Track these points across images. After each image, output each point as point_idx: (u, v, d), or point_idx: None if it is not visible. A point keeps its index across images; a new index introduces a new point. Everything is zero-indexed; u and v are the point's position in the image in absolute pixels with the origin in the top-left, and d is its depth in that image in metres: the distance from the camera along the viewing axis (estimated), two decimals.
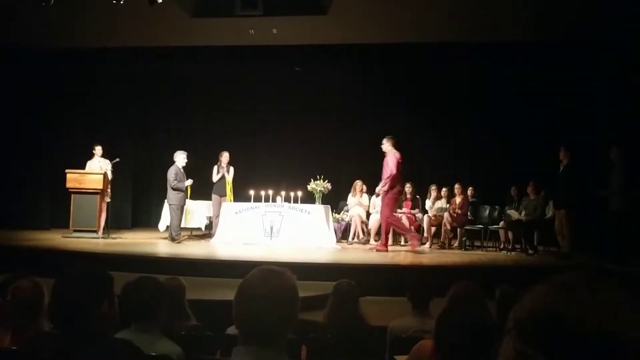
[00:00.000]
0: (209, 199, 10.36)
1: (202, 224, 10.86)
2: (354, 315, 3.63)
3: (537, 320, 0.70)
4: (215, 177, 10.24)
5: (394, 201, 9.24)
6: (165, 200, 10.21)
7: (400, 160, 8.92)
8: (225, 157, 10.29)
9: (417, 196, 10.63)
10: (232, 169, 10.35)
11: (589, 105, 10.55)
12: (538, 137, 10.79)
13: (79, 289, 1.96)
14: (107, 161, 10.15)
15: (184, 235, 10.00)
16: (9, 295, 2.86)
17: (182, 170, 9.80)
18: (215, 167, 10.28)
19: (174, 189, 9.66)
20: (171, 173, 9.69)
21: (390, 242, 10.29)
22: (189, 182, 9.91)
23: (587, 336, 0.66)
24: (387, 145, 9.04)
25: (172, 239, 9.59)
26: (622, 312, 0.68)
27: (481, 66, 11.26)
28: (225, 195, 10.23)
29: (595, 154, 9.58)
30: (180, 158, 9.82)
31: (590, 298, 0.70)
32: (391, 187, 8.92)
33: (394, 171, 8.82)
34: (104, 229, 9.94)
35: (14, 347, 2.55)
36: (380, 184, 9.00)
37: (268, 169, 11.76)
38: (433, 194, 10.30)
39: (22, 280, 2.98)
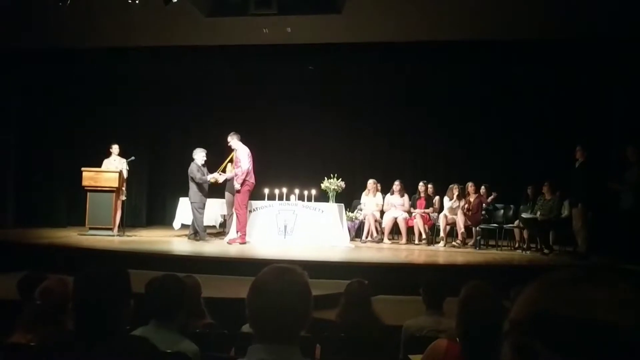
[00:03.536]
0: (223, 197, 10.39)
1: (216, 222, 10.90)
2: (366, 315, 3.63)
3: (532, 317, 0.72)
4: (229, 175, 10.26)
5: (248, 194, 9.34)
6: (180, 199, 10.26)
7: (250, 154, 9.31)
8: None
9: (437, 196, 10.58)
10: None
11: (605, 104, 10.45)
12: (554, 136, 10.71)
13: (100, 287, 1.98)
14: (123, 160, 10.23)
15: (208, 235, 9.95)
16: (36, 296, 2.88)
17: (202, 167, 9.82)
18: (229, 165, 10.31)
19: (197, 184, 9.60)
20: (193, 170, 9.62)
21: (403, 240, 10.30)
22: (212, 176, 9.79)
23: (583, 330, 0.67)
24: (234, 142, 9.39)
25: (197, 238, 9.60)
26: (621, 304, 0.69)
27: (497, 64, 11.18)
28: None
29: (612, 153, 9.48)
30: (200, 156, 9.78)
31: (587, 291, 0.71)
32: (245, 181, 9.19)
33: (247, 165, 9.19)
34: (119, 226, 10.02)
35: (32, 344, 2.59)
36: (236, 181, 9.24)
37: (282, 168, 11.78)
38: (455, 193, 10.17)
39: (50, 280, 3.00)
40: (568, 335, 0.67)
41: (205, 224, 10.61)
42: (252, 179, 9.35)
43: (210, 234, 10.82)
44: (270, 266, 1.71)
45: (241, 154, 9.31)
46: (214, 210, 10.74)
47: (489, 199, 10.41)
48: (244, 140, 9.54)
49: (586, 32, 9.64)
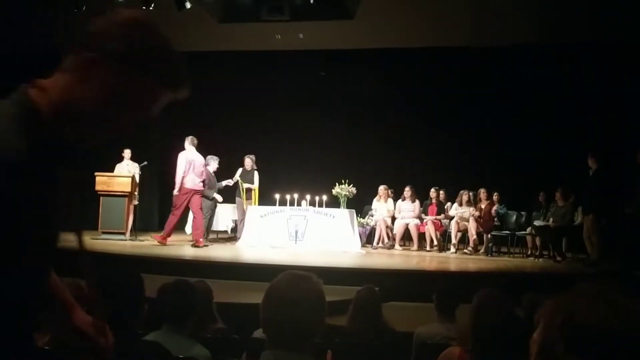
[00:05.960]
0: (234, 202, 10.42)
1: (227, 227, 10.93)
2: (376, 322, 3.61)
3: (582, 329, 0.72)
4: (231, 181, 10.28)
5: (183, 197, 9.29)
6: None
7: (190, 160, 9.18)
8: (247, 162, 10.32)
9: (449, 202, 10.54)
10: (257, 174, 10.37)
11: (617, 110, 10.38)
12: (566, 142, 10.64)
13: (116, 291, 2.00)
14: (136, 164, 10.29)
15: (209, 242, 9.95)
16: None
17: (213, 175, 9.83)
18: (240, 170, 10.33)
19: (203, 196, 9.62)
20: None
21: (415, 247, 10.26)
22: (217, 197, 9.78)
23: (617, 339, 0.67)
24: (186, 144, 9.37)
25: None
26: None
27: (508, 70, 11.14)
28: (250, 199, 10.25)
29: (624, 160, 9.40)
30: (213, 165, 9.83)
31: (620, 301, 0.71)
32: (181, 187, 9.18)
33: (180, 175, 9.15)
34: (131, 231, 10.06)
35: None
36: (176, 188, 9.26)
37: (293, 173, 11.79)
38: (464, 198, 10.14)
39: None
40: (600, 343, 0.68)
41: (217, 229, 10.66)
42: (189, 185, 9.22)
43: (222, 239, 10.86)
44: (285, 272, 1.71)
45: (179, 159, 9.28)
46: (226, 215, 10.77)
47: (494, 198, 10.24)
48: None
49: (601, 35, 9.59)
